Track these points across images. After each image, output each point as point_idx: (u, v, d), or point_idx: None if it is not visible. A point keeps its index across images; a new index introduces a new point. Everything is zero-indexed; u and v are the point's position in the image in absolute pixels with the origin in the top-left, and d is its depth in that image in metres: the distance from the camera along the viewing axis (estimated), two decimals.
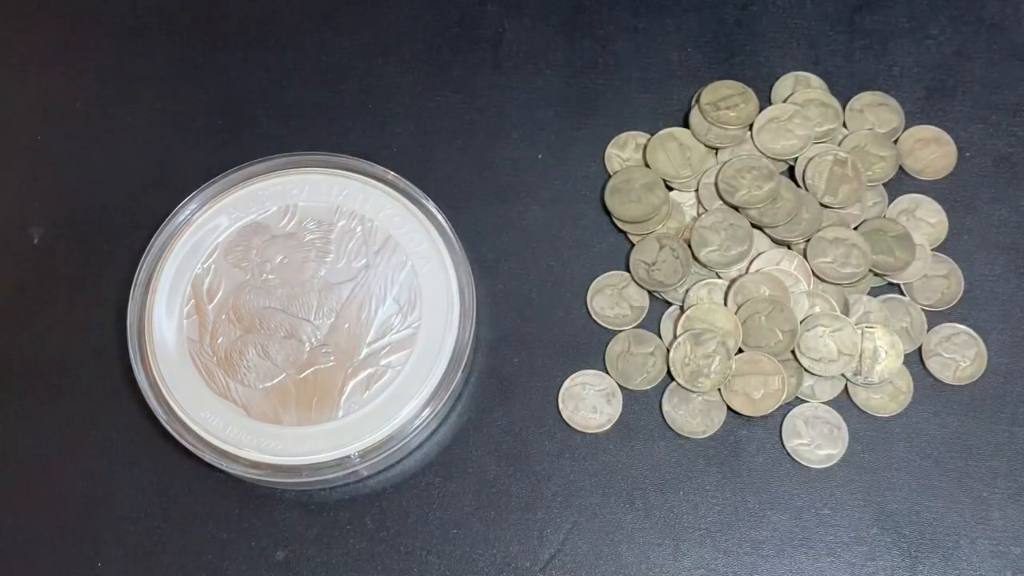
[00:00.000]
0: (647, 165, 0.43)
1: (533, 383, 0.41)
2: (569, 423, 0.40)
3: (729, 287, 0.41)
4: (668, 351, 0.40)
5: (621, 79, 0.45)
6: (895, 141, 0.43)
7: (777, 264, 0.41)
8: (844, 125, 0.43)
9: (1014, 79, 0.44)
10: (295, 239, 0.40)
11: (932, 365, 0.40)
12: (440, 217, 0.40)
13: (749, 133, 0.43)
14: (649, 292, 0.41)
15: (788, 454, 0.39)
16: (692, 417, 0.40)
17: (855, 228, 0.41)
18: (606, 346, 0.41)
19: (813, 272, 0.41)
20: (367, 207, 0.41)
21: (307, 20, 0.46)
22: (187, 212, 0.41)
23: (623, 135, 0.44)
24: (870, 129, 0.43)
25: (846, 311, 0.40)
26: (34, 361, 0.41)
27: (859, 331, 0.40)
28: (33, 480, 0.40)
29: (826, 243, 0.41)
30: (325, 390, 0.39)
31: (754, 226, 0.41)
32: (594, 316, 0.41)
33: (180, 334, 0.39)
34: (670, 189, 0.42)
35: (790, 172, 0.43)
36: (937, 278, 0.41)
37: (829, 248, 0.41)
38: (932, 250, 0.41)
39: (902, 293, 0.41)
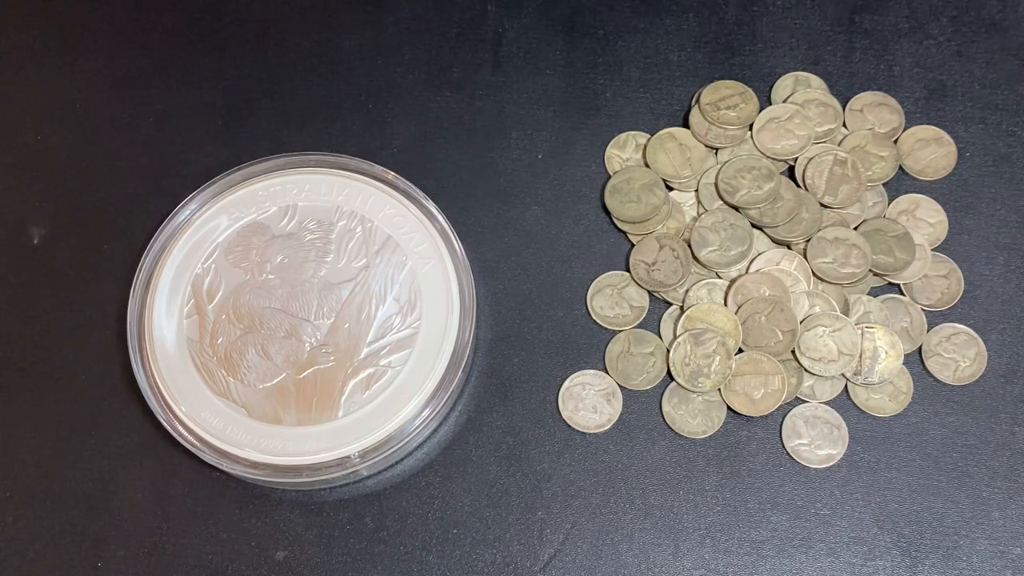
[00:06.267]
0: (647, 165, 0.43)
1: (533, 383, 0.41)
2: (569, 423, 0.40)
3: (729, 287, 0.41)
4: (668, 351, 0.40)
5: (621, 79, 0.45)
6: (895, 141, 0.43)
7: (777, 264, 0.41)
8: (844, 125, 0.43)
9: (1014, 79, 0.44)
10: (295, 239, 0.40)
11: (932, 365, 0.40)
12: (440, 217, 0.41)
13: (749, 133, 0.43)
14: (649, 292, 0.41)
15: (788, 454, 0.39)
16: (692, 417, 0.40)
17: (855, 228, 0.41)
18: (606, 346, 0.41)
19: (813, 272, 0.41)
20: (367, 207, 0.41)
21: (307, 20, 0.46)
22: (187, 212, 0.41)
23: (623, 135, 0.44)
24: (870, 129, 0.43)
25: (846, 311, 0.40)
26: (34, 361, 0.41)
27: (859, 331, 0.40)
28: (33, 480, 0.40)
29: (826, 243, 0.41)
30: (325, 390, 0.39)
31: (754, 226, 0.41)
32: (594, 316, 0.41)
33: (180, 334, 0.39)
34: (670, 189, 0.42)
35: (790, 172, 0.43)
36: (937, 278, 0.41)
37: (829, 248, 0.41)
38: (932, 250, 0.41)
39: (902, 293, 0.41)
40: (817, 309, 0.40)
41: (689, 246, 0.41)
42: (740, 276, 0.41)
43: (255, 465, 0.38)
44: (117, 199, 0.43)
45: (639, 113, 0.44)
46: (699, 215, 0.42)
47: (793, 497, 0.39)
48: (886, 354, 0.39)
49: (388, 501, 0.39)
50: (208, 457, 0.38)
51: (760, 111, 0.43)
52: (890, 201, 0.42)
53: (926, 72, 0.44)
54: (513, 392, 0.41)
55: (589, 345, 0.41)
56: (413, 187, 0.41)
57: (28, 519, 0.39)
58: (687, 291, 0.41)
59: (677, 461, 0.40)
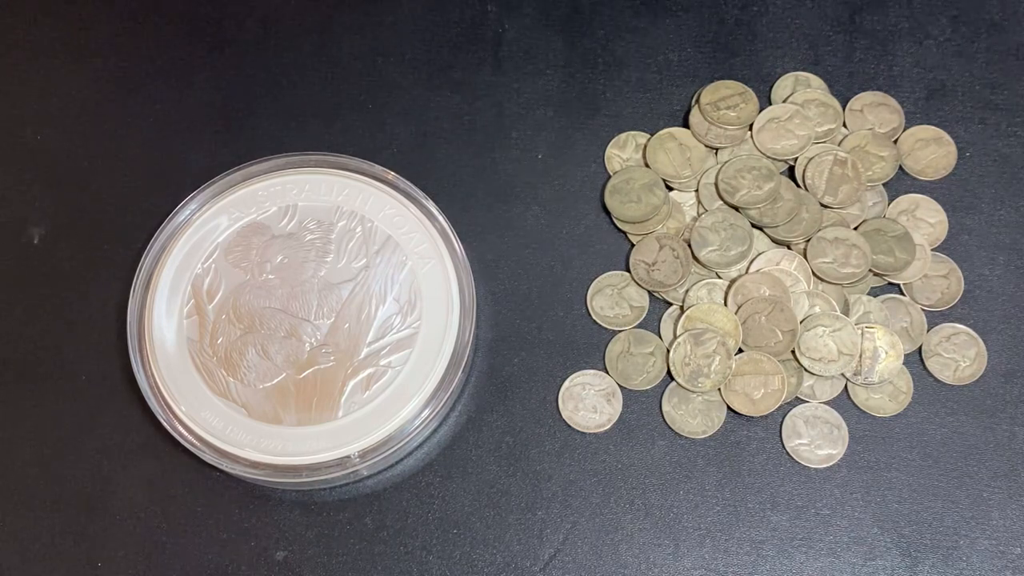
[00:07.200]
0: (647, 165, 0.43)
1: (533, 383, 0.41)
2: (569, 423, 0.40)
3: (729, 287, 0.41)
4: (668, 351, 0.40)
5: (621, 79, 0.45)
6: (895, 141, 0.43)
7: (777, 264, 0.41)
8: (844, 125, 0.43)
9: (1014, 79, 0.44)
10: (295, 239, 0.40)
11: (932, 365, 0.40)
12: (440, 217, 0.41)
13: (749, 133, 0.43)
14: (649, 292, 0.41)
15: (788, 454, 0.39)
16: (692, 417, 0.40)
17: (855, 228, 0.41)
18: (606, 346, 0.41)
19: (813, 272, 0.41)
20: (367, 207, 0.41)
21: (307, 20, 0.46)
22: (187, 212, 0.41)
23: (623, 135, 0.44)
24: (870, 129, 0.43)
25: (846, 311, 0.40)
26: (34, 361, 0.41)
27: (859, 331, 0.40)
28: (33, 480, 0.40)
29: (826, 243, 0.41)
30: (325, 390, 0.39)
31: (754, 226, 0.41)
32: (594, 316, 0.41)
33: (180, 334, 0.39)
34: (670, 189, 0.42)
35: (790, 172, 0.43)
36: (937, 278, 0.41)
37: (829, 248, 0.41)
38: (932, 250, 0.41)
39: (902, 293, 0.41)
40: (817, 309, 0.40)
41: (689, 246, 0.41)
42: (740, 276, 0.41)
43: (255, 465, 0.38)
44: (117, 199, 0.43)
45: (639, 113, 0.44)
46: (699, 215, 0.42)
47: (793, 497, 0.39)
48: (886, 354, 0.39)
49: (388, 501, 0.39)
50: (208, 457, 0.38)
51: (760, 111, 0.43)
52: (890, 201, 0.42)
53: (926, 72, 0.44)
54: (513, 392, 0.41)
55: (589, 345, 0.41)
56: (413, 187, 0.41)
57: (28, 519, 0.39)
58: (687, 291, 0.41)
59: (677, 461, 0.40)
